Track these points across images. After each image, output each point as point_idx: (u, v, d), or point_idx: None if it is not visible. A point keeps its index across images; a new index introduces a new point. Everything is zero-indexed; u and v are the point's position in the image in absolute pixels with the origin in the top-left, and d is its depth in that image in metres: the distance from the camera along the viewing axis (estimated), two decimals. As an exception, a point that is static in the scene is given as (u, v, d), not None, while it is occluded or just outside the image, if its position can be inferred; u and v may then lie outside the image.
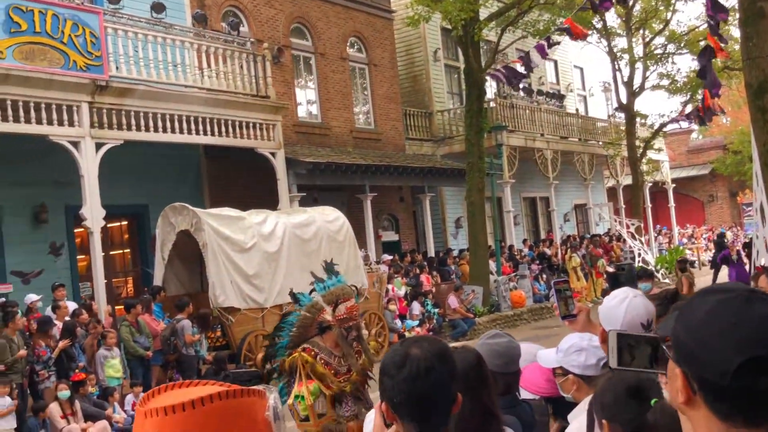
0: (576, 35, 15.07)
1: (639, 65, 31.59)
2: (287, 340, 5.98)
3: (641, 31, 31.90)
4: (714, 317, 1.27)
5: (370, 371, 5.87)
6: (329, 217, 15.94)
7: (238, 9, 19.50)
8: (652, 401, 2.23)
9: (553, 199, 27.71)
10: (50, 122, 13.08)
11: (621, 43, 32.03)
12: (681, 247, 32.59)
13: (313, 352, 5.67)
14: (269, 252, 14.36)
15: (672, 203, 35.71)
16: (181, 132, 15.26)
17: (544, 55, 13.84)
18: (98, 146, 13.74)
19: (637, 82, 31.55)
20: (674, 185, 36.85)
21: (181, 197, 15.24)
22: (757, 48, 8.85)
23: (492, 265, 21.94)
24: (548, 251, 26.01)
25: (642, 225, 31.23)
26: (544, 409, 3.67)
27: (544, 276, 23.56)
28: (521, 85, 23.53)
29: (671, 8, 31.03)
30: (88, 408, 11.47)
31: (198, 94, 15.75)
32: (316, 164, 18.27)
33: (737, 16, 11.05)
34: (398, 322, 17.38)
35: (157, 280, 14.48)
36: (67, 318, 12.40)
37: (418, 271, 20.21)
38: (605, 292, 20.90)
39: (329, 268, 6.22)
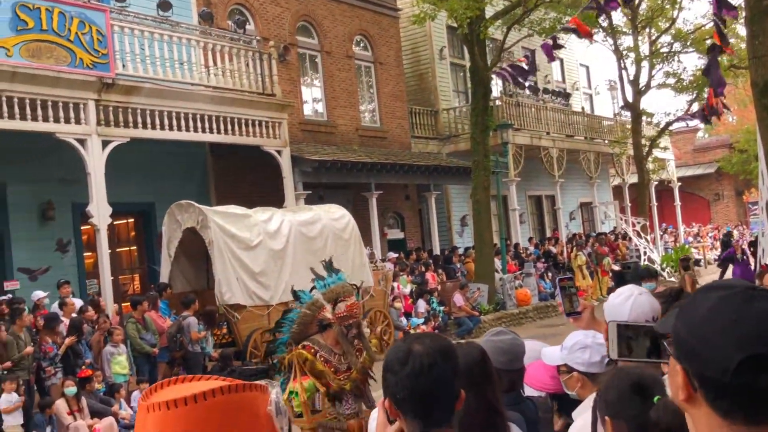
0: (582, 34, 15.05)
1: (645, 64, 31.53)
2: (287, 337, 5.98)
3: (647, 30, 31.81)
4: (714, 314, 1.27)
5: (371, 369, 5.87)
6: (335, 215, 15.95)
7: (245, 7, 19.51)
8: (655, 398, 2.23)
9: (559, 197, 27.67)
10: (57, 120, 13.11)
11: (627, 41, 32.00)
12: (687, 246, 32.51)
13: (313, 350, 5.67)
14: (275, 250, 14.38)
15: (678, 202, 35.62)
16: (188, 130, 15.28)
17: (550, 57, 13.84)
18: (105, 144, 13.77)
19: (643, 80, 31.50)
20: (680, 184, 36.76)
21: (188, 195, 15.28)
22: (763, 46, 8.84)
23: (497, 263, 21.93)
24: (554, 249, 25.99)
25: (648, 223, 31.17)
26: (548, 406, 3.68)
27: (550, 274, 23.53)
28: (527, 84, 23.50)
29: (677, 6, 30.93)
30: (95, 404, 11.51)
31: (204, 92, 15.77)
32: (322, 162, 18.28)
33: (743, 14, 11.03)
34: (403, 319, 17.39)
35: (164, 278, 14.52)
36: (74, 315, 12.44)
37: (423, 269, 20.22)
38: (611, 291, 20.87)
39: (329, 266, 6.22)
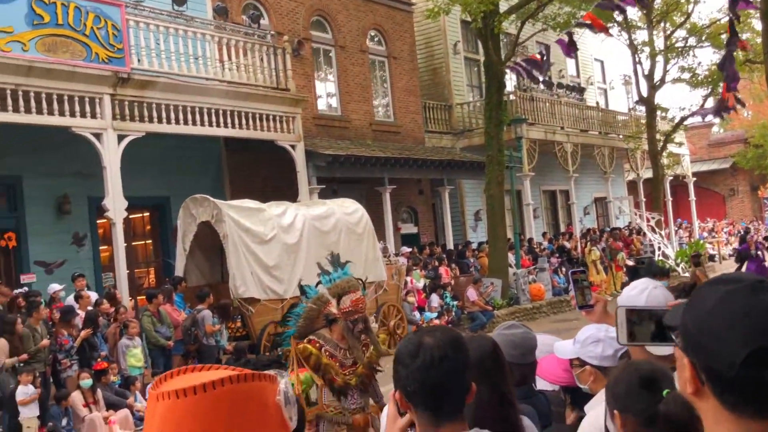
0: (597, 29, 15.01)
1: (660, 58, 31.35)
2: (294, 330, 5.98)
3: (662, 24, 31.64)
4: (722, 308, 1.27)
5: (377, 364, 5.86)
6: (348, 210, 15.96)
7: (259, 2, 19.54)
8: (665, 392, 2.23)
9: (573, 192, 27.58)
10: (73, 114, 13.19)
11: (642, 35, 31.83)
12: (701, 241, 32.35)
13: (318, 344, 5.66)
14: (289, 243, 14.41)
15: (693, 197, 35.44)
16: (202, 124, 15.33)
17: (568, 55, 13.81)
18: (120, 138, 13.83)
19: (657, 75, 31.32)
20: (695, 179, 36.56)
21: (202, 189, 15.32)
22: (778, 41, 8.79)
23: (511, 258, 21.90)
24: (568, 244, 25.91)
25: (662, 219, 31.03)
26: (560, 400, 3.68)
27: (564, 269, 23.47)
28: (541, 78, 23.43)
29: (692, 0, 30.75)
30: (110, 396, 11.60)
31: (218, 87, 15.81)
32: (336, 157, 18.30)
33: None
34: (417, 314, 17.39)
35: (179, 271, 14.58)
36: (90, 307, 12.52)
37: (437, 263, 20.21)
38: (625, 286, 20.81)
39: (335, 260, 6.21)
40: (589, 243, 24.99)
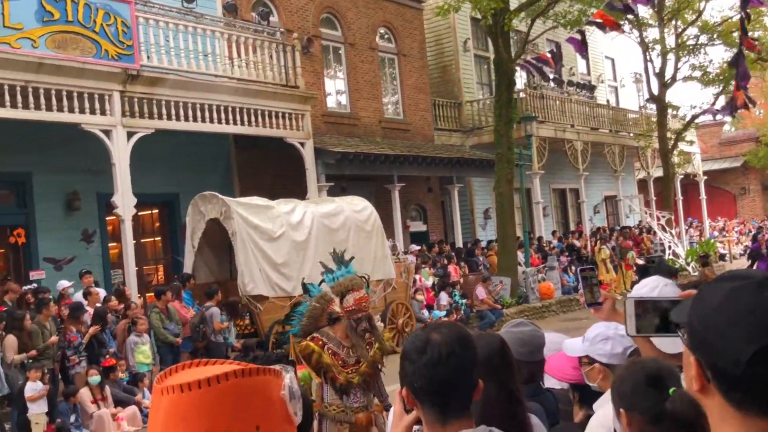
0: (608, 26, 14.96)
1: (671, 56, 31.22)
2: (297, 329, 5.96)
3: (673, 22, 31.51)
4: (727, 305, 1.25)
5: (382, 363, 5.82)
6: (357, 207, 15.96)
7: (269, -1, 19.56)
8: (671, 390, 2.21)
9: (583, 190, 27.53)
10: (82, 111, 13.22)
11: (653, 33, 31.72)
12: (712, 240, 32.23)
13: (321, 342, 5.63)
14: (297, 241, 14.42)
15: (703, 196, 35.33)
16: (212, 121, 15.35)
17: (581, 53, 13.78)
18: (129, 135, 13.86)
19: (668, 73, 31.19)
20: (706, 177, 36.45)
21: (211, 186, 15.35)
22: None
23: (520, 256, 21.86)
24: (577, 243, 25.86)
25: (673, 217, 30.93)
26: (567, 398, 3.66)
27: (573, 268, 23.42)
28: (551, 76, 23.38)
29: (704, -2, 30.65)
30: (119, 393, 11.64)
31: (228, 84, 15.82)
32: (345, 154, 18.30)
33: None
34: (425, 312, 17.38)
35: (187, 268, 14.60)
36: (98, 304, 12.55)
37: (445, 261, 20.19)
38: (635, 285, 20.76)
39: (339, 258, 6.17)
40: (598, 242, 24.93)
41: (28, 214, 14.57)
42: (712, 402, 1.28)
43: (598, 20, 14.87)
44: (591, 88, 30.51)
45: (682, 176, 33.99)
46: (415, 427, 2.17)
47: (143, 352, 12.32)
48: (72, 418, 10.96)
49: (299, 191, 16.98)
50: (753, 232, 28.61)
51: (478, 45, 26.77)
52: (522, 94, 24.69)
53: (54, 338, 11.21)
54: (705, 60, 32.89)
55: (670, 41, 31.47)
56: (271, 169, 18.36)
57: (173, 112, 14.64)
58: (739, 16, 15.57)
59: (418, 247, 20.12)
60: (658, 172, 31.58)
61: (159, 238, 17.70)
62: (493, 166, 21.29)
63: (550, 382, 3.74)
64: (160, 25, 14.87)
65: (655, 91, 30.79)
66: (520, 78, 25.62)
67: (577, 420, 3.52)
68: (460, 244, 22.74)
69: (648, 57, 30.75)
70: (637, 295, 2.73)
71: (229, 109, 15.66)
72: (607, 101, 32.09)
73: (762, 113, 48.25)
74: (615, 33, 21.77)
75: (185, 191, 15.89)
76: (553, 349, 3.67)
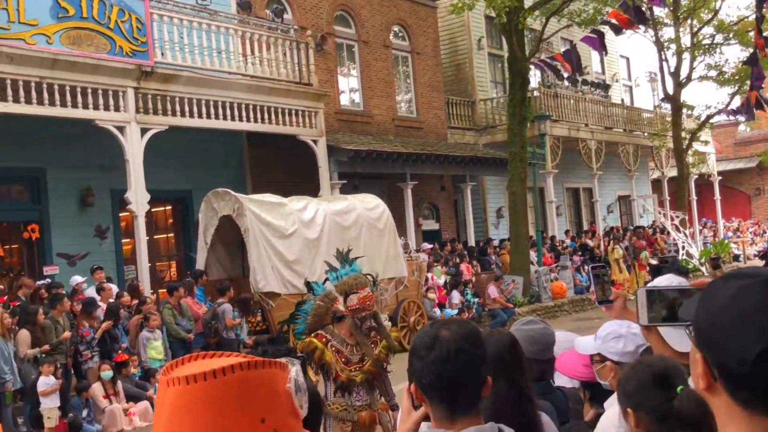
0: (623, 26, 14.89)
1: (686, 55, 31.04)
2: (303, 327, 5.95)
3: (689, 21, 31.34)
4: (734, 303, 1.24)
5: (387, 362, 5.80)
6: (369, 205, 15.96)
7: (283, -4, 19.58)
8: (679, 388, 2.20)
9: (597, 190, 27.44)
10: (96, 107, 13.27)
11: (668, 32, 31.54)
12: (726, 241, 32.06)
13: (324, 339, 5.61)
14: (309, 238, 14.43)
15: (718, 196, 35.14)
16: (225, 118, 15.38)
17: (600, 52, 13.71)
18: (143, 131, 13.91)
19: (684, 72, 31.03)
20: (720, 178, 36.24)
21: (224, 183, 15.39)
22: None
23: (533, 255, 21.81)
24: (590, 242, 25.78)
25: (687, 218, 30.77)
26: (577, 397, 3.65)
27: (586, 267, 23.36)
28: (566, 75, 23.31)
29: (720, -3, 30.46)
30: (131, 388, 11.68)
31: (241, 81, 15.85)
32: (358, 152, 18.30)
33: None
34: (437, 310, 17.36)
35: (200, 265, 14.65)
36: (111, 300, 12.61)
37: (458, 260, 20.18)
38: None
39: (344, 256, 6.15)
40: (612, 241, 24.85)
41: (42, 209, 14.64)
42: (719, 400, 1.27)
43: (613, 20, 14.79)
44: (605, 87, 30.40)
45: (696, 176, 33.82)
46: (424, 424, 2.17)
47: (155, 348, 12.36)
48: (84, 413, 11.02)
49: (311, 189, 16.99)
50: (767, 233, 28.44)
51: (492, 43, 26.73)
52: (536, 93, 24.62)
53: (67, 334, 11.26)
54: (721, 59, 32.73)
55: (686, 40, 31.31)
56: (284, 167, 18.38)
57: (187, 108, 14.68)
58: (754, 16, 15.46)
59: (431, 246, 20.11)
60: (673, 172, 31.43)
61: (172, 235, 17.76)
62: (506, 165, 21.24)
63: (560, 380, 3.73)
64: (174, 22, 14.92)
65: (670, 91, 30.62)
66: (534, 76, 25.56)
67: (587, 418, 3.51)
68: (472, 242, 22.72)
69: (663, 56, 30.59)
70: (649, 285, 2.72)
71: (243, 106, 15.69)
72: (622, 100, 31.97)
73: (778, 113, 47.88)
74: (630, 31, 21.63)
75: (198, 188, 15.93)
76: (563, 348, 3.66)
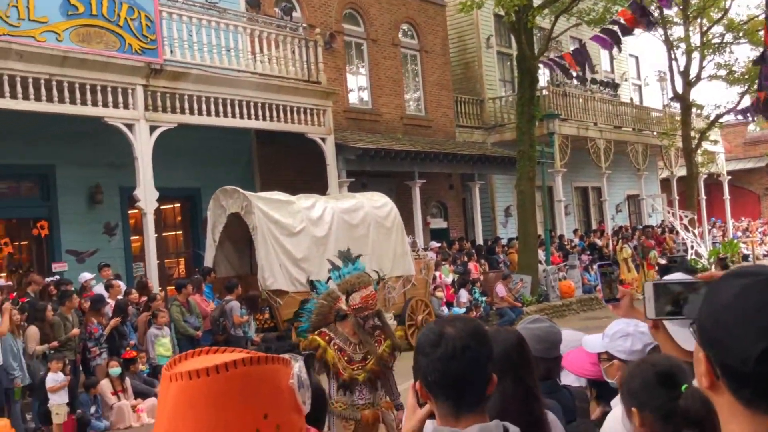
0: (631, 25, 14.84)
1: (696, 55, 30.95)
2: (307, 325, 5.95)
3: (699, 20, 31.23)
4: (737, 302, 1.24)
5: (391, 361, 5.78)
6: (377, 203, 15.95)
7: (292, -6, 19.58)
8: (683, 387, 2.19)
9: (606, 189, 27.38)
10: (105, 104, 13.31)
11: (678, 31, 31.44)
12: (735, 241, 31.95)
13: (327, 337, 5.61)
14: (317, 236, 14.43)
15: (727, 196, 35.03)
16: (234, 116, 15.41)
17: (611, 50, 13.66)
18: (152, 129, 13.94)
19: (693, 71, 30.94)
20: (729, 177, 36.13)
21: (233, 180, 15.40)
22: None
23: (541, 254, 21.78)
24: (599, 242, 25.72)
25: (696, 217, 30.69)
26: (584, 395, 3.65)
27: (594, 267, 23.28)
28: (575, 74, 23.25)
29: (730, -4, 30.35)
30: (139, 385, 11.72)
31: (250, 79, 15.87)
32: (366, 150, 18.30)
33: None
34: (445, 309, 17.35)
35: (208, 262, 14.67)
36: (120, 297, 12.64)
37: (466, 258, 20.16)
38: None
39: (346, 255, 6.14)
40: (620, 240, 24.80)
41: (51, 206, 14.70)
42: (722, 399, 1.27)
43: (621, 20, 14.74)
44: (614, 86, 30.33)
45: (705, 176, 33.72)
46: (429, 422, 2.17)
47: (163, 345, 12.38)
48: (92, 410, 11.05)
49: (320, 187, 17.00)
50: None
51: (501, 42, 26.69)
52: (545, 92, 24.57)
53: (75, 331, 11.30)
54: (730, 59, 32.61)
55: (695, 39, 31.20)
56: (292, 165, 18.39)
57: (195, 106, 14.71)
58: (764, 15, 15.41)
59: (439, 244, 20.10)
60: (682, 172, 31.35)
61: (180, 232, 17.80)
62: (514, 164, 21.21)
63: (567, 379, 3.72)
64: (184, 20, 14.94)
65: (680, 90, 30.53)
66: (543, 75, 25.51)
67: (594, 417, 3.50)
68: (480, 241, 22.69)
69: (672, 55, 30.50)
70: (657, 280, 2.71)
71: (251, 104, 15.71)
72: (631, 99, 31.89)
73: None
74: (639, 30, 21.58)
75: (207, 185, 15.96)
76: (569, 346, 3.66)
